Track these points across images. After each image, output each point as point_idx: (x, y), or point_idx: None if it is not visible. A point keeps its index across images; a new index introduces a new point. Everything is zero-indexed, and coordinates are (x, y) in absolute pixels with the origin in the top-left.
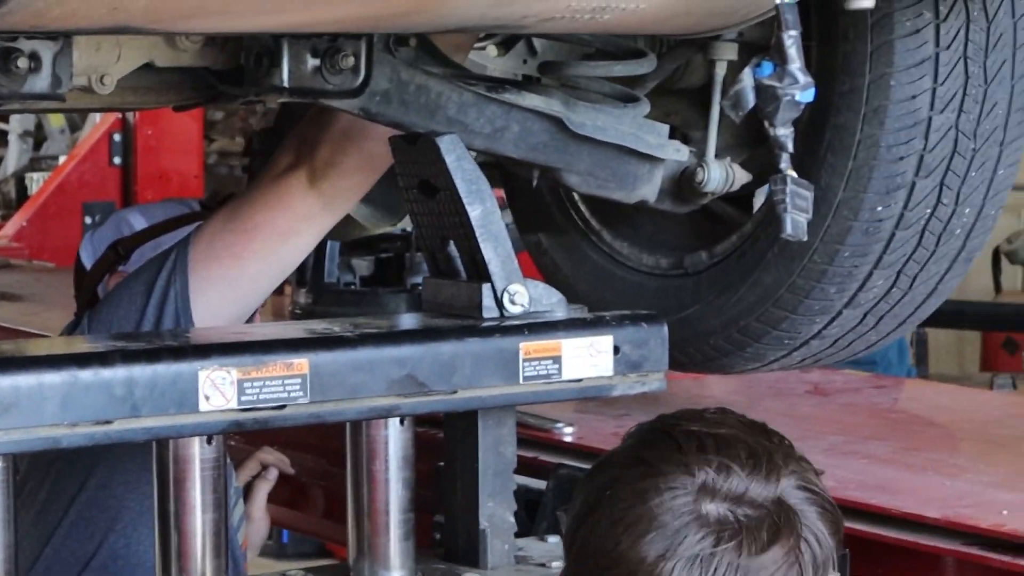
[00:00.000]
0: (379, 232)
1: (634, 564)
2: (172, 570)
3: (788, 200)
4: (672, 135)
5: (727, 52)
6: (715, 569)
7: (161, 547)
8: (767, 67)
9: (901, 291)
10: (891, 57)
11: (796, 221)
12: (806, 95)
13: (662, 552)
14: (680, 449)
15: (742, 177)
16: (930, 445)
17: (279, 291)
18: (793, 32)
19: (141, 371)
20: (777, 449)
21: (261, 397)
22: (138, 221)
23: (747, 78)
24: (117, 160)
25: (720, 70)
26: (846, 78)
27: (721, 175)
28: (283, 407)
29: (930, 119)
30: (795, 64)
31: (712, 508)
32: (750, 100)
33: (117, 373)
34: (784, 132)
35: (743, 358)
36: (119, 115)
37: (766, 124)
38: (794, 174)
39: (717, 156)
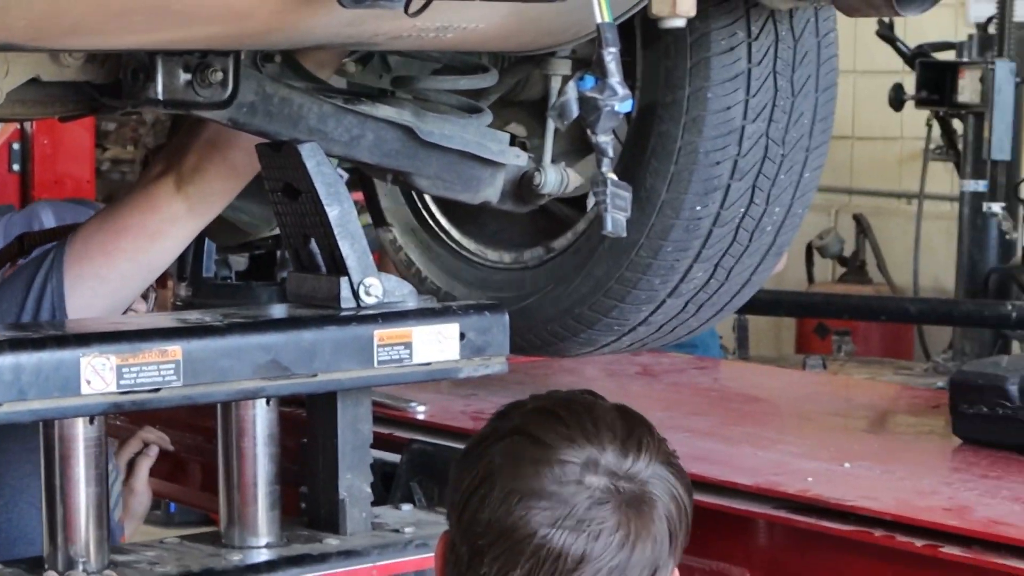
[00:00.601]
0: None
1: (526, 533)
2: (58, 539)
3: (609, 200)
4: (512, 143)
5: (561, 68)
6: (600, 536)
7: (48, 518)
8: (589, 80)
9: (719, 282)
10: (708, 72)
11: (616, 219)
12: (624, 106)
13: (553, 521)
14: (567, 426)
15: (575, 180)
16: (746, 420)
17: (165, 285)
18: (612, 49)
19: (27, 358)
20: (643, 427)
21: (138, 381)
22: (48, 219)
23: (571, 90)
24: (16, 167)
25: (555, 84)
26: (668, 91)
27: (557, 178)
28: (158, 390)
29: (743, 128)
30: (614, 78)
31: (596, 480)
32: (574, 110)
33: (5, 360)
34: (605, 139)
35: (577, 343)
36: (18, 126)
37: (588, 132)
38: (614, 177)
39: (553, 161)
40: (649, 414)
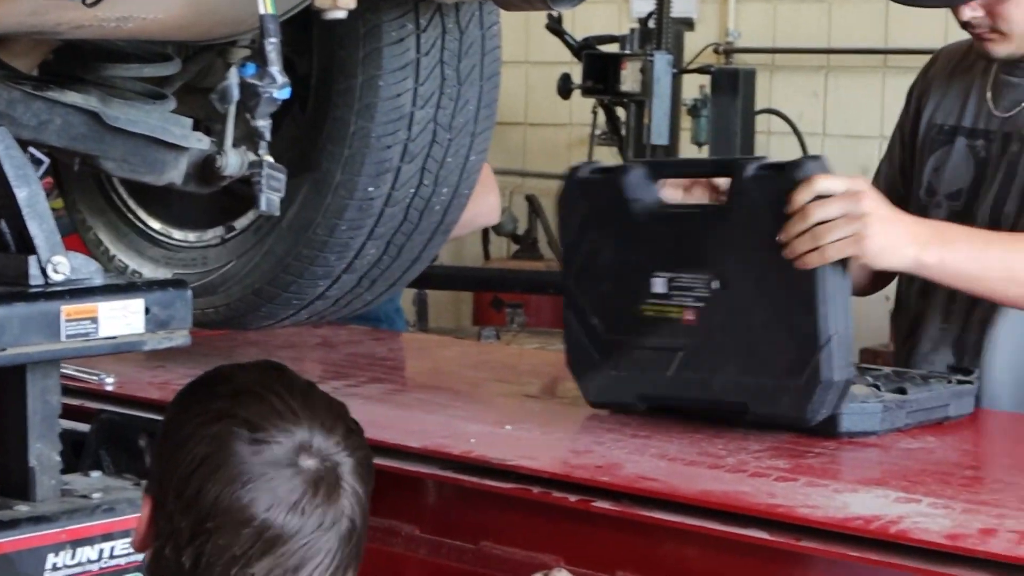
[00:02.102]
0: None
1: (248, 515)
2: None
3: (264, 181)
4: (196, 127)
5: (241, 56)
6: (313, 514)
7: None
8: (250, 68)
9: (391, 258)
10: (380, 61)
11: (270, 199)
12: (282, 93)
13: (271, 503)
14: (277, 411)
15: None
16: (417, 387)
17: None
18: (273, 39)
19: None
20: (337, 407)
21: None
22: None
23: (233, 76)
24: None
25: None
26: (342, 79)
27: (237, 161)
28: None
29: (413, 114)
30: (274, 66)
31: (309, 462)
32: (234, 95)
33: None
34: (263, 124)
35: (259, 316)
36: None
37: (248, 116)
38: (271, 159)
39: (235, 145)
40: (326, 383)
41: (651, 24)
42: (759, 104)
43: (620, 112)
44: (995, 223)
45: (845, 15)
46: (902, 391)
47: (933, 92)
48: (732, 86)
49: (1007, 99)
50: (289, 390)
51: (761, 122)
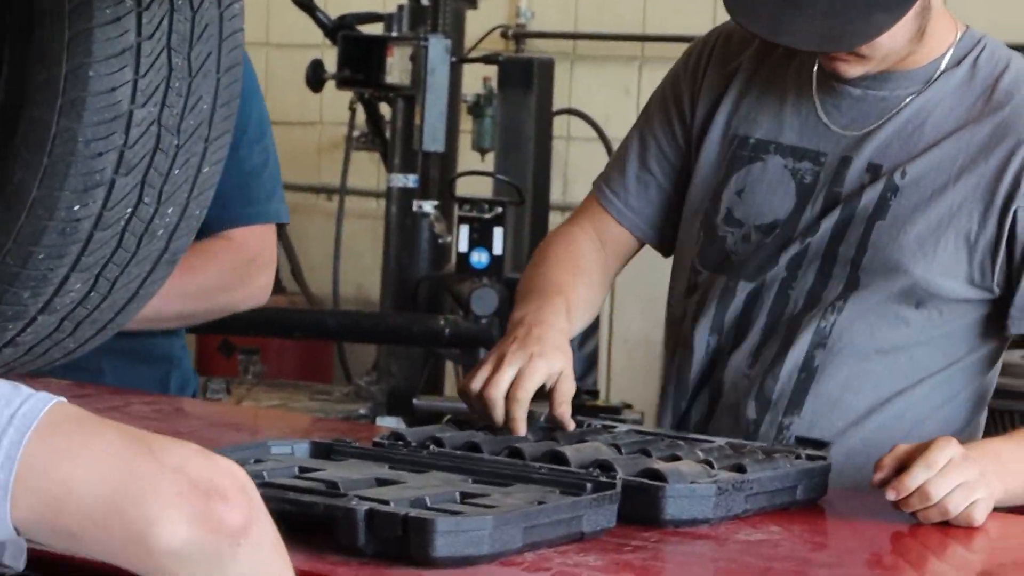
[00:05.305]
0: None
1: None
2: None
3: None
4: None
5: None
6: None
7: None
8: None
9: (101, 295)
10: (90, 46)
11: None
12: None
13: None
14: None
15: None
16: None
17: None
18: None
19: None
20: None
21: None
22: None
23: None
24: None
25: None
26: (42, 68)
27: None
28: None
29: (131, 113)
30: None
31: None
32: None
33: None
34: None
35: None
36: None
37: None
38: None
39: None
40: None
41: (425, 1)
42: (557, 102)
43: (385, 109)
44: (828, 264)
45: None
46: (740, 469)
47: (727, 93)
48: (524, 79)
49: (848, 114)
50: None
51: (559, 124)
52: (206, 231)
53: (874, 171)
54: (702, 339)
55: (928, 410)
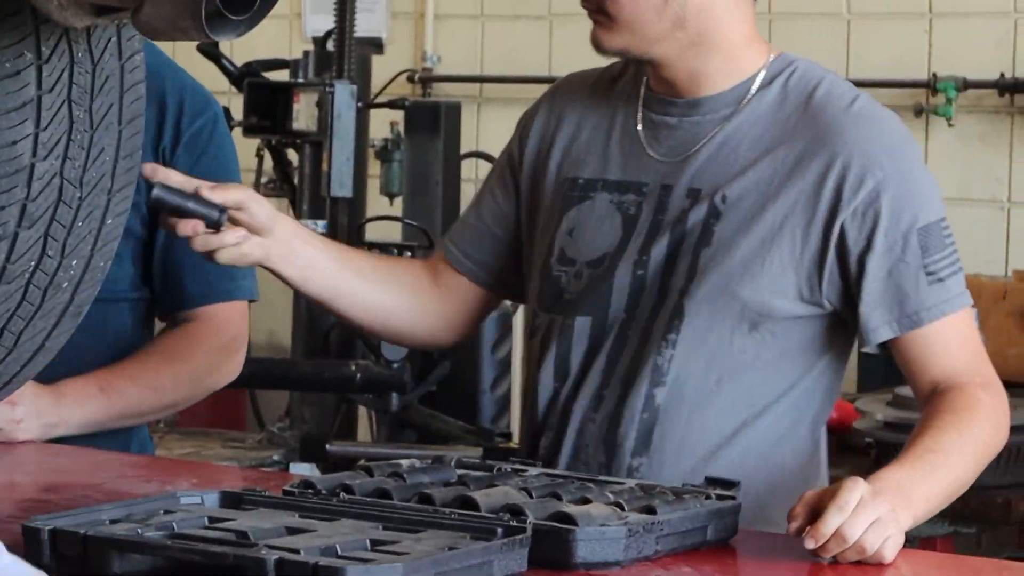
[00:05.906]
0: None
1: None
2: None
3: None
4: None
5: None
6: None
7: None
8: None
9: (6, 348)
10: None
11: None
12: None
13: None
14: None
15: None
16: None
17: None
18: None
19: None
20: None
21: None
22: None
23: None
24: None
25: None
26: None
27: None
28: None
29: (33, 166)
30: None
31: None
32: None
33: None
34: None
35: None
36: None
37: None
38: None
39: None
40: None
41: (330, 46)
42: (465, 145)
43: (292, 155)
44: (661, 298)
45: (570, 36)
46: (650, 510)
47: (556, 140)
48: (431, 123)
49: (666, 143)
50: None
51: (467, 167)
52: (188, 304)
53: (694, 196)
54: (546, 384)
55: (776, 438)
